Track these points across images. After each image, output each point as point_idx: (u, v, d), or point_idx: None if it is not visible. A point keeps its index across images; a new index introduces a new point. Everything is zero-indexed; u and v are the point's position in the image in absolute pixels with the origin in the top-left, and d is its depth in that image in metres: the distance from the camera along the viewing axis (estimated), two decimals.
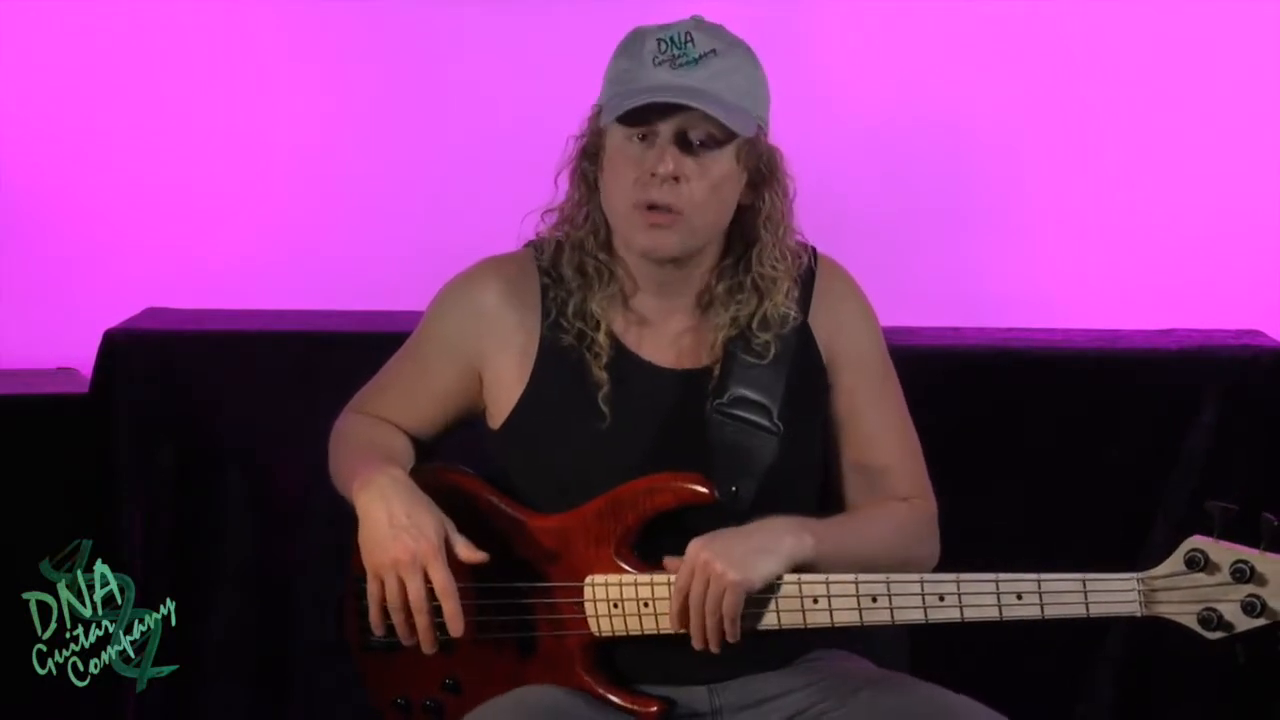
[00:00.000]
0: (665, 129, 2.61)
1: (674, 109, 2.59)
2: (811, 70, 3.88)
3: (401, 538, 2.57)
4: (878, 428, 2.74)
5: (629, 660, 2.67)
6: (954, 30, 3.94)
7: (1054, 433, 3.59)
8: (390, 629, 2.63)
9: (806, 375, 2.72)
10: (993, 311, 3.86)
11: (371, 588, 2.60)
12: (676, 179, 2.60)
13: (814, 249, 2.77)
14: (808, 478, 2.74)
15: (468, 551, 2.59)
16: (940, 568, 2.70)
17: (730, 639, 2.55)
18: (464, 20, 4.00)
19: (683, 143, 2.61)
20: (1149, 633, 3.51)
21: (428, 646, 2.61)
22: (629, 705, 2.64)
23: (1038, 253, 3.97)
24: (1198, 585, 2.41)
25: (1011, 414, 3.61)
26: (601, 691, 2.65)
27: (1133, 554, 3.53)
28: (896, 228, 3.93)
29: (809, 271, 2.74)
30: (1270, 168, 3.93)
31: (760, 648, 2.61)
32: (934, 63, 3.95)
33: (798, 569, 2.56)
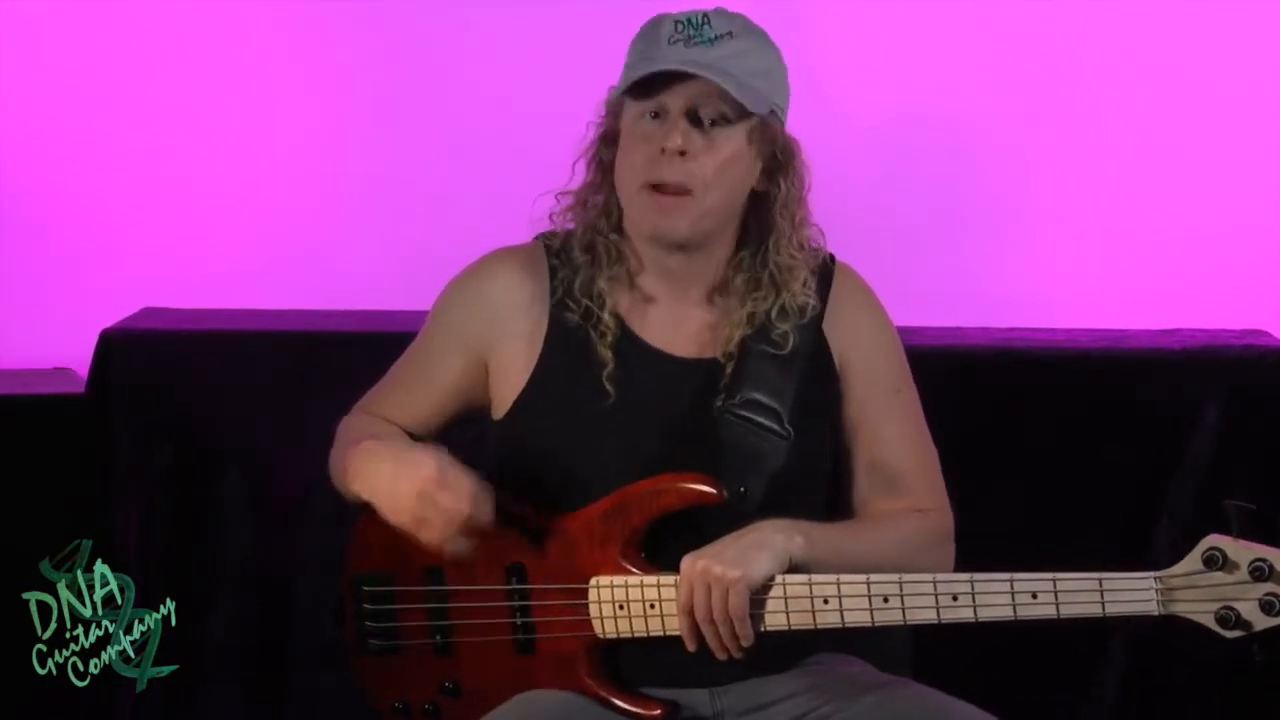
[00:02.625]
0: (676, 105, 2.61)
1: (684, 83, 2.59)
2: (813, 69, 3.85)
3: (405, 474, 2.55)
4: (890, 438, 2.72)
5: (630, 663, 2.65)
6: (958, 29, 3.94)
7: (1057, 433, 3.58)
8: (390, 632, 2.67)
9: (818, 381, 2.70)
10: (995, 311, 3.85)
11: (416, 532, 2.56)
12: (683, 153, 2.60)
13: (831, 255, 2.76)
14: (817, 483, 2.72)
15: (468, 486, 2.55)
16: None
17: (745, 642, 2.54)
18: (464, 19, 3.99)
19: (693, 119, 2.60)
20: (1154, 635, 3.51)
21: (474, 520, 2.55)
22: (632, 708, 2.63)
23: (1041, 252, 3.96)
24: (1216, 584, 2.39)
25: (1014, 414, 3.60)
26: (604, 695, 2.64)
27: (1137, 555, 3.52)
28: (899, 227, 3.92)
29: (826, 272, 2.73)
30: (1275, 166, 3.92)
31: (762, 651, 2.59)
32: (937, 62, 3.94)
33: (792, 569, 2.54)
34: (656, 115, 2.61)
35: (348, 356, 3.42)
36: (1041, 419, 3.60)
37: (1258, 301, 3.87)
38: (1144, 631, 3.51)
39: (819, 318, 2.71)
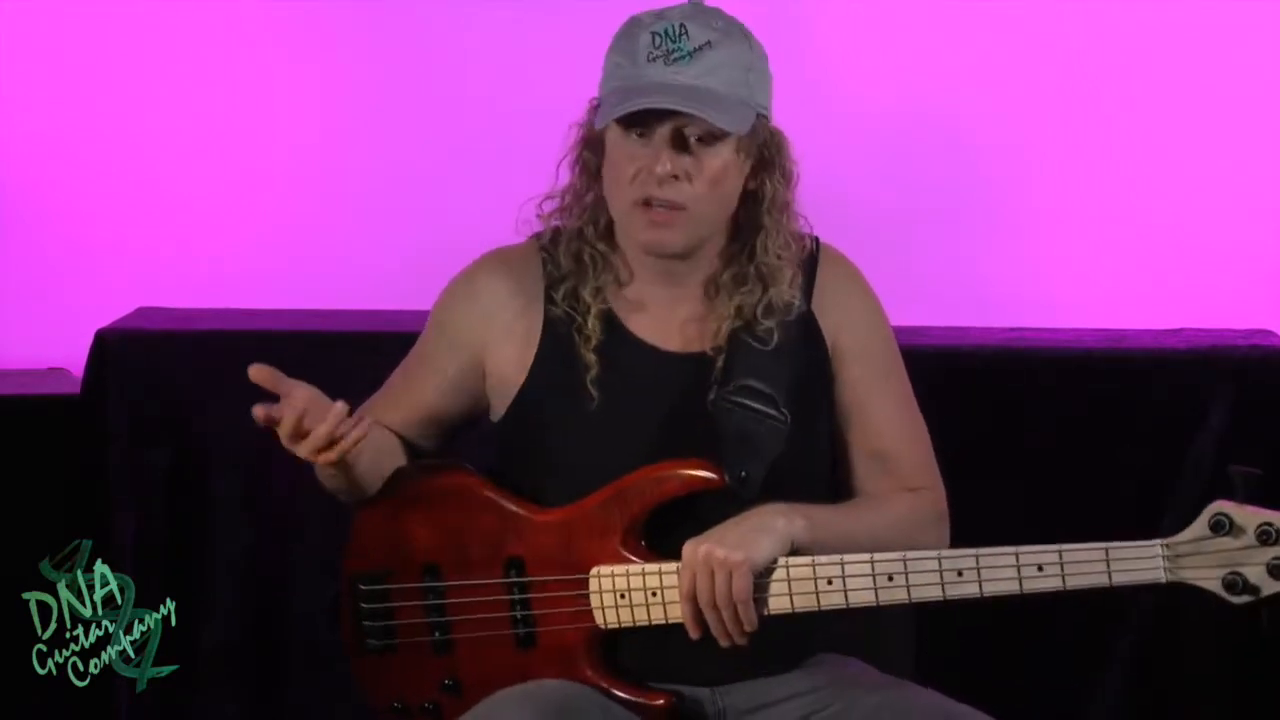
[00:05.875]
0: (661, 128, 2.60)
1: (669, 110, 2.59)
2: (815, 68, 3.88)
3: None
4: (884, 418, 2.73)
5: (631, 660, 2.65)
6: (960, 29, 3.94)
7: (1059, 433, 3.58)
8: (388, 631, 2.67)
9: (811, 364, 2.71)
10: (998, 311, 3.85)
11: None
12: (676, 176, 2.60)
13: (816, 237, 2.76)
14: (817, 466, 2.72)
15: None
16: None
17: (748, 626, 2.53)
18: (462, 18, 3.99)
19: (679, 140, 2.60)
20: (1157, 638, 3.50)
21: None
22: (635, 698, 2.63)
23: (1044, 252, 3.96)
24: (1223, 549, 2.39)
25: (1016, 414, 3.60)
26: (606, 686, 2.63)
27: None
28: (901, 227, 3.92)
29: (811, 259, 2.74)
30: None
31: (764, 650, 2.60)
32: (939, 61, 3.95)
33: (794, 552, 2.55)
34: (641, 134, 2.61)
35: (344, 357, 3.42)
36: (1044, 419, 3.59)
37: (1262, 301, 3.87)
38: (1147, 635, 3.50)
39: (808, 302, 2.72)
